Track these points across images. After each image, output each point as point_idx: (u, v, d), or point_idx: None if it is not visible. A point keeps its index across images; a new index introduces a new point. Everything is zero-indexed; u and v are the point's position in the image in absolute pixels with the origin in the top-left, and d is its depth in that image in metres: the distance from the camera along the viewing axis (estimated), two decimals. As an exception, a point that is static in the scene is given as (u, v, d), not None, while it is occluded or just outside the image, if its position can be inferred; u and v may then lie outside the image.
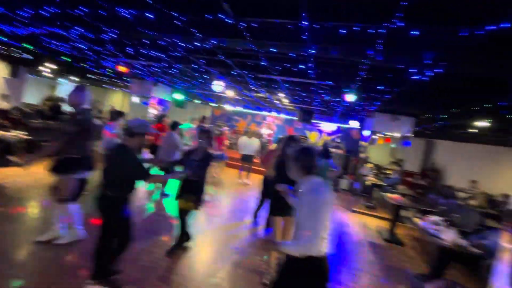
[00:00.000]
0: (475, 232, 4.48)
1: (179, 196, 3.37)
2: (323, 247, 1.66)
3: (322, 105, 8.98)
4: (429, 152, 11.01)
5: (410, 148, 9.71)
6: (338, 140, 13.52)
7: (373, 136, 11.79)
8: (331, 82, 5.26)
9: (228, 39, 3.91)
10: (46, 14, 3.88)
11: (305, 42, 3.52)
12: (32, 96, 12.87)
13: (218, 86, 6.91)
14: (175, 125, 5.90)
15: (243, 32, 3.47)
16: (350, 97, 5.80)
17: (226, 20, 3.14)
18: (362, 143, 11.08)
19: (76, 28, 4.34)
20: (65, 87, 16.94)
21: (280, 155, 3.43)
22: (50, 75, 13.65)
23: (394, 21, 2.51)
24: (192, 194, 3.28)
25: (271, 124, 15.31)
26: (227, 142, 10.80)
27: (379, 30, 2.79)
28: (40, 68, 9.62)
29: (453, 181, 9.12)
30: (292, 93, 7.40)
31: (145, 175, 2.43)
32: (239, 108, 16.46)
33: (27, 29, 4.83)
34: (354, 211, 7.49)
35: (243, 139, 8.67)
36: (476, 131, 6.28)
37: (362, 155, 11.76)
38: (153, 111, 12.41)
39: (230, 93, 9.89)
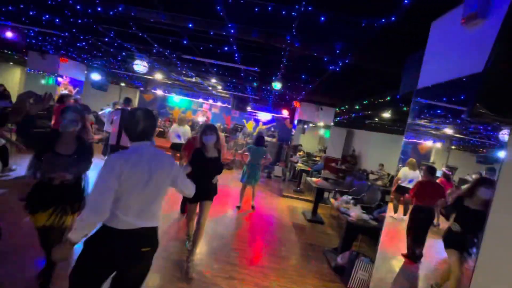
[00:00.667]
0: (377, 208, 5.19)
1: (35, 209, 2.15)
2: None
3: (255, 93, 9.04)
4: (349, 140, 12.37)
5: (334, 136, 10.70)
6: (273, 129, 14.04)
7: (305, 126, 12.64)
8: (256, 68, 5.22)
9: (138, 7, 3.40)
10: None
11: (223, 20, 3.32)
12: None
13: (140, 66, 6.17)
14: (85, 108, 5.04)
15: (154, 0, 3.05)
16: (277, 85, 5.93)
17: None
18: (294, 131, 11.74)
19: None
20: None
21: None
22: None
23: (304, 4, 2.51)
24: (62, 202, 2.20)
25: (206, 112, 14.82)
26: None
27: (292, 13, 2.78)
28: None
29: (368, 165, 10.50)
30: (223, 78, 7.17)
31: None
32: (173, 95, 15.45)
33: None
34: (283, 196, 7.86)
35: (173, 127, 8.08)
36: (381, 121, 7.21)
37: (294, 143, 12.51)
38: (64, 92, 10.51)
39: (158, 76, 9.09)
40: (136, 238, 1.53)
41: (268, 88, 6.70)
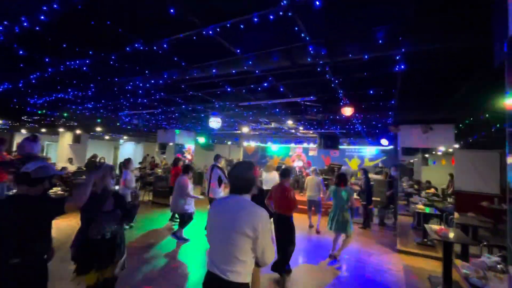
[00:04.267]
0: None
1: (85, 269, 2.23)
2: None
3: (340, 128, 7.98)
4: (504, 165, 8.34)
5: (465, 163, 7.56)
6: (380, 165, 11.61)
7: (426, 155, 9.74)
8: (312, 97, 4.57)
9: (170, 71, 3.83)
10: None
11: (237, 55, 3.15)
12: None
13: (214, 122, 6.84)
14: (186, 169, 5.75)
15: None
16: (347, 111, 4.93)
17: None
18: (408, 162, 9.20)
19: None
20: (124, 145, 19.82)
21: None
22: (107, 138, 16.19)
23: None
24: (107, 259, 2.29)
25: (300, 155, 14.34)
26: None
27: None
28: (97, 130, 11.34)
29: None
30: (295, 118, 6.79)
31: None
32: (269, 144, 16.18)
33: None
34: (399, 251, 5.76)
35: (263, 175, 8.21)
36: None
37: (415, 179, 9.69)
38: (188, 156, 13.12)
39: (245, 129, 9.79)
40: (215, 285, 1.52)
41: (343, 117, 5.69)
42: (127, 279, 3.69)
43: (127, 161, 6.17)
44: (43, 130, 12.07)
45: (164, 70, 3.89)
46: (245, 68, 3.34)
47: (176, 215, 6.41)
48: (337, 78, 3.71)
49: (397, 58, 2.72)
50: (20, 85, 4.82)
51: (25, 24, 2.59)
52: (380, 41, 2.44)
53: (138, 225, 6.38)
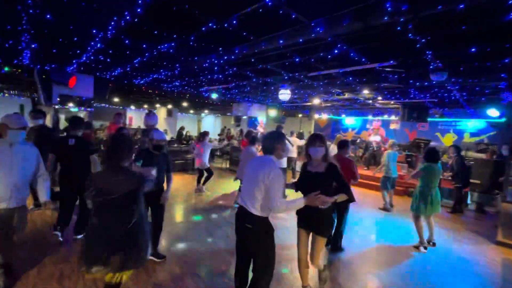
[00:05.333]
0: None
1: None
2: None
3: (431, 96, 6.81)
4: None
5: None
6: (486, 141, 9.41)
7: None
8: (392, 62, 4.03)
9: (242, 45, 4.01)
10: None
11: (304, 23, 3.05)
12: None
13: (284, 94, 6.89)
14: (253, 140, 5.84)
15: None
16: (436, 75, 4.17)
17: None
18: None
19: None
20: (205, 118, 22.21)
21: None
22: (192, 112, 18.40)
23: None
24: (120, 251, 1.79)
25: (378, 129, 12.99)
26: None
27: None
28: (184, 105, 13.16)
29: None
30: (370, 87, 6.15)
31: None
32: (343, 116, 15.19)
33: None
34: (500, 243, 4.89)
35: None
36: None
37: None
38: (260, 129, 13.85)
39: (316, 101, 9.48)
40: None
41: (433, 83, 4.83)
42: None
43: (202, 134, 6.87)
44: (145, 106, 14.64)
45: (235, 46, 4.13)
46: (313, 35, 3.22)
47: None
48: (423, 37, 3.16)
49: (509, 3, 2.12)
50: (128, 69, 5.96)
51: (128, 17, 3.18)
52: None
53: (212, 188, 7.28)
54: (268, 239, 2.03)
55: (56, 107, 6.97)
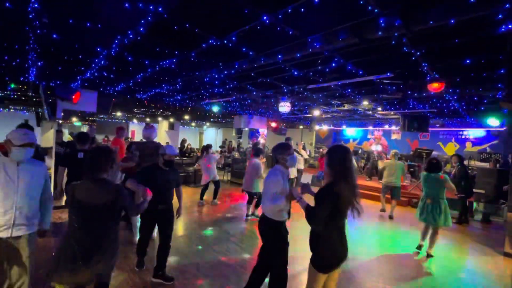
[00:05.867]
0: None
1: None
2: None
3: (430, 106, 6.86)
4: None
5: None
6: (488, 150, 9.36)
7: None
8: (389, 74, 4.10)
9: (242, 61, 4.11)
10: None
11: (300, 37, 3.14)
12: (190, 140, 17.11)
13: (284, 107, 6.97)
14: (257, 152, 5.96)
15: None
16: (434, 87, 4.23)
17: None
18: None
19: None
20: (207, 131, 22.39)
21: None
22: (193, 124, 18.55)
23: None
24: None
25: (379, 139, 12.98)
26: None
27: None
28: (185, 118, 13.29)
29: None
30: (369, 98, 6.22)
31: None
32: (344, 128, 15.25)
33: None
34: (507, 255, 4.77)
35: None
36: None
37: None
38: (261, 140, 13.91)
39: (316, 113, 9.55)
40: None
41: (431, 93, 4.89)
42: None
43: (205, 148, 6.90)
44: (148, 119, 14.80)
45: (234, 61, 4.23)
46: (310, 50, 3.30)
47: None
48: (418, 50, 3.24)
49: (499, 17, 2.19)
50: (130, 84, 6.09)
51: (131, 36, 3.29)
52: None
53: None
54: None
55: (60, 122, 7.08)
